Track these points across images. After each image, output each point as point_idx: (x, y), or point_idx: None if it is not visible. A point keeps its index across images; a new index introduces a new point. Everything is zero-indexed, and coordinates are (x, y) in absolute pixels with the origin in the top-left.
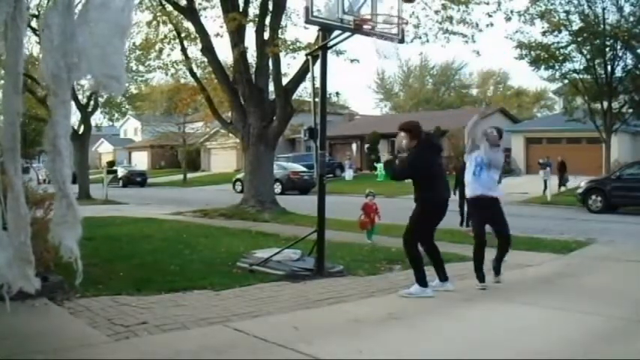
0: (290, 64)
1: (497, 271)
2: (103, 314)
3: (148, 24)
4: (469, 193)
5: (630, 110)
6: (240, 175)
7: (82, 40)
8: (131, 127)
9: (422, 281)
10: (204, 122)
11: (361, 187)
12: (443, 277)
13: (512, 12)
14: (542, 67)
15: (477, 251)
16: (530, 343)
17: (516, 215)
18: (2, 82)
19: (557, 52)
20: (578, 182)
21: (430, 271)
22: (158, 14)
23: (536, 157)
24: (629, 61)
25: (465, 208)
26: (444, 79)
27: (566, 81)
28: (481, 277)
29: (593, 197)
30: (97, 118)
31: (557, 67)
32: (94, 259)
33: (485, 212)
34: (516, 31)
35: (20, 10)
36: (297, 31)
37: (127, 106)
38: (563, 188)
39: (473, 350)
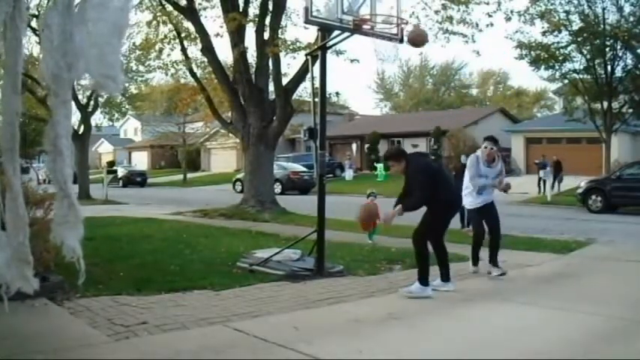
0: (290, 64)
1: (495, 264)
2: (103, 314)
3: (148, 24)
4: (472, 203)
5: (630, 110)
6: (240, 175)
7: (80, 40)
8: (131, 127)
9: (424, 280)
10: (204, 122)
11: (361, 187)
12: (445, 278)
13: (512, 12)
14: (542, 67)
15: (475, 239)
16: (530, 343)
17: (516, 215)
18: (1, 82)
19: (557, 52)
20: (578, 182)
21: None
22: (158, 14)
23: (536, 157)
24: (629, 61)
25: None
26: (444, 79)
27: (566, 81)
28: (475, 261)
29: (593, 197)
30: (97, 118)
31: (557, 67)
32: (95, 259)
33: (485, 213)
34: (516, 31)
35: (20, 10)
36: (297, 31)
37: (127, 106)
38: (556, 189)
39: (473, 350)
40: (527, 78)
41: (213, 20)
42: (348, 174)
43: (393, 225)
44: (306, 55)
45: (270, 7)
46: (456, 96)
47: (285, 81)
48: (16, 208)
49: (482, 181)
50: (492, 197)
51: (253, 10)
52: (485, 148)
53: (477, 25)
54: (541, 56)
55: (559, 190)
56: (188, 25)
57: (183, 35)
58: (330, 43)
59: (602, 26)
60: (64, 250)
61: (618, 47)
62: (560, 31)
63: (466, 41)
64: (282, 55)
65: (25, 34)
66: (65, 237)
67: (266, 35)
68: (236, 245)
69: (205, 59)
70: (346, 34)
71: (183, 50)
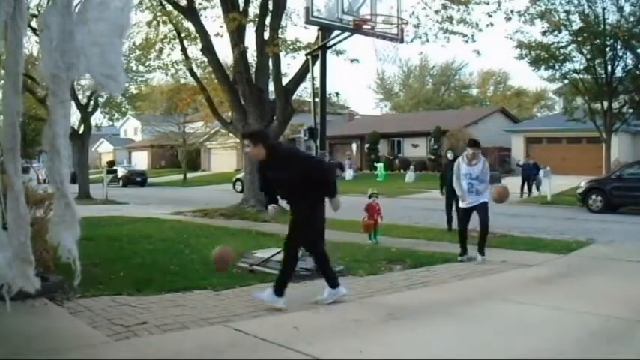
0: (290, 64)
1: (482, 252)
2: (103, 314)
3: (148, 24)
4: (461, 203)
5: (630, 110)
6: (240, 175)
7: (81, 39)
8: (131, 127)
9: (279, 289)
10: (204, 122)
11: (361, 187)
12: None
13: (512, 12)
14: (542, 67)
15: (460, 234)
16: (530, 343)
17: (516, 215)
18: (2, 82)
19: (557, 52)
20: (578, 182)
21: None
22: (158, 14)
23: (535, 157)
24: (629, 61)
25: (453, 210)
26: (444, 79)
27: (566, 81)
28: (462, 252)
29: (593, 197)
30: (97, 118)
31: (557, 67)
32: (95, 258)
33: (475, 210)
34: (516, 31)
35: (20, 10)
36: (297, 31)
37: (127, 106)
38: (536, 192)
39: (473, 350)
40: (527, 78)
41: (213, 20)
42: (348, 174)
43: (393, 224)
44: (306, 55)
45: (270, 7)
46: (456, 96)
47: (285, 81)
48: (18, 207)
49: (464, 184)
50: (483, 199)
51: (253, 10)
52: (467, 151)
53: (477, 25)
54: (541, 56)
55: (531, 194)
56: (188, 25)
57: (183, 35)
58: (331, 43)
59: (602, 26)
60: (60, 250)
61: (618, 47)
62: (560, 31)
63: (466, 41)
64: (282, 55)
65: (26, 34)
66: (62, 237)
67: (266, 35)
68: (236, 245)
69: (205, 59)
70: (346, 34)
71: (183, 50)
